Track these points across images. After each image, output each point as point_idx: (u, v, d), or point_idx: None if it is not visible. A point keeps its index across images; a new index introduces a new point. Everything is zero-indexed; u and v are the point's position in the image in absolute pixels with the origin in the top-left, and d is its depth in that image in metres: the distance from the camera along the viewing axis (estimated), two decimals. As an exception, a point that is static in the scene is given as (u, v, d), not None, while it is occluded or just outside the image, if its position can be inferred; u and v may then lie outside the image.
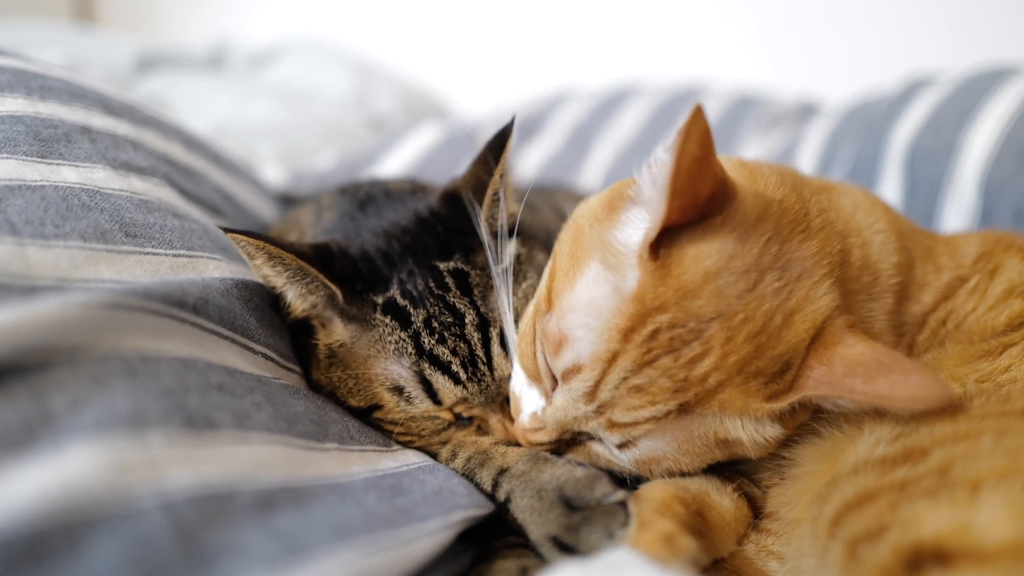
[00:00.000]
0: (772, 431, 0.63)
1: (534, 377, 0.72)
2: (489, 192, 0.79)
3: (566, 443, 0.72)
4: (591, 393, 0.64)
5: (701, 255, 0.61)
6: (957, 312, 0.75)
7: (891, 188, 1.30)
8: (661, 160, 0.59)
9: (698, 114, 0.57)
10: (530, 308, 0.75)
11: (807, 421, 0.67)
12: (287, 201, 1.34)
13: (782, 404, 0.61)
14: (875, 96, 1.51)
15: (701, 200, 0.61)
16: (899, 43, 2.03)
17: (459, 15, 2.80)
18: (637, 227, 0.64)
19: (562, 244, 0.73)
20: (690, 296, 0.60)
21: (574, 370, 0.65)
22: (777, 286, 0.62)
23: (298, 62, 2.63)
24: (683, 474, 0.69)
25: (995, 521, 0.45)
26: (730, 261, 0.61)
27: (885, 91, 1.48)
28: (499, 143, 0.80)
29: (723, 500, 0.71)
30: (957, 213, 1.19)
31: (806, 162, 1.50)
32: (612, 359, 0.62)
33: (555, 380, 0.69)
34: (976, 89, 1.24)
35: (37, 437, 0.46)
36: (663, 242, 0.62)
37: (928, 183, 1.23)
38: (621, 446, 0.66)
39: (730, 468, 0.75)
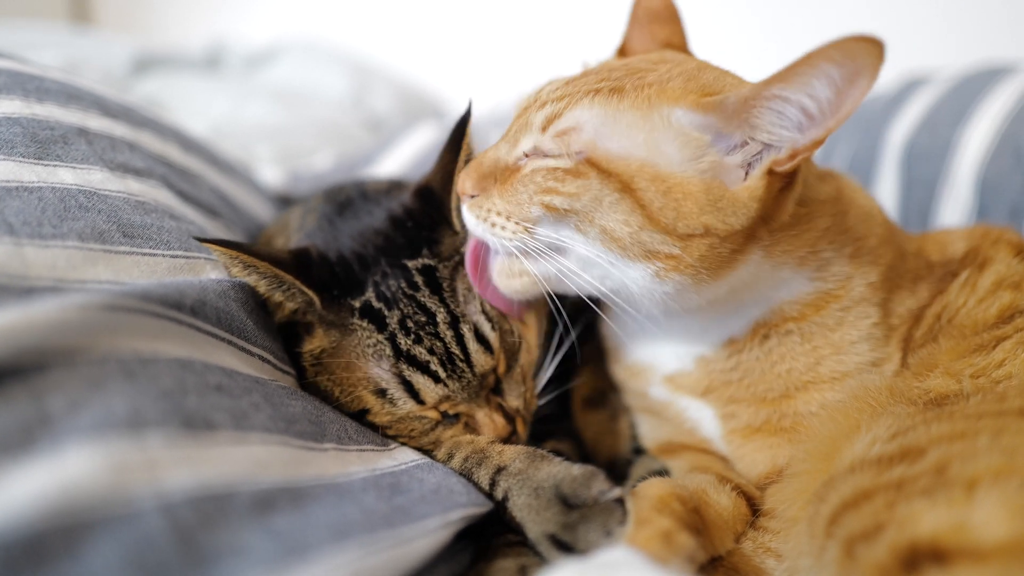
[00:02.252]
0: (712, 154, 0.64)
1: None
2: (456, 179, 0.79)
3: (499, 179, 0.72)
4: (536, 95, 0.74)
5: (656, 52, 0.81)
6: (950, 307, 0.75)
7: (887, 186, 1.30)
8: None
9: None
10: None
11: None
12: (285, 202, 1.34)
13: (719, 97, 0.63)
14: (872, 94, 1.51)
15: (658, 39, 0.81)
16: (895, 42, 2.03)
17: (456, 15, 2.80)
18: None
19: None
20: (646, 54, 0.80)
21: (529, 102, 0.75)
22: (725, 71, 0.73)
23: (295, 63, 2.63)
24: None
25: (992, 520, 0.45)
26: (683, 56, 0.78)
27: (881, 89, 1.48)
28: (459, 130, 0.81)
29: (721, 498, 0.71)
30: (953, 211, 1.19)
31: (803, 161, 1.50)
32: (563, 81, 0.75)
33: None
34: (972, 87, 1.24)
35: (35, 439, 0.46)
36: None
37: (924, 181, 1.23)
38: (546, 124, 0.68)
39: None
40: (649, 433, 0.88)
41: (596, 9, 2.50)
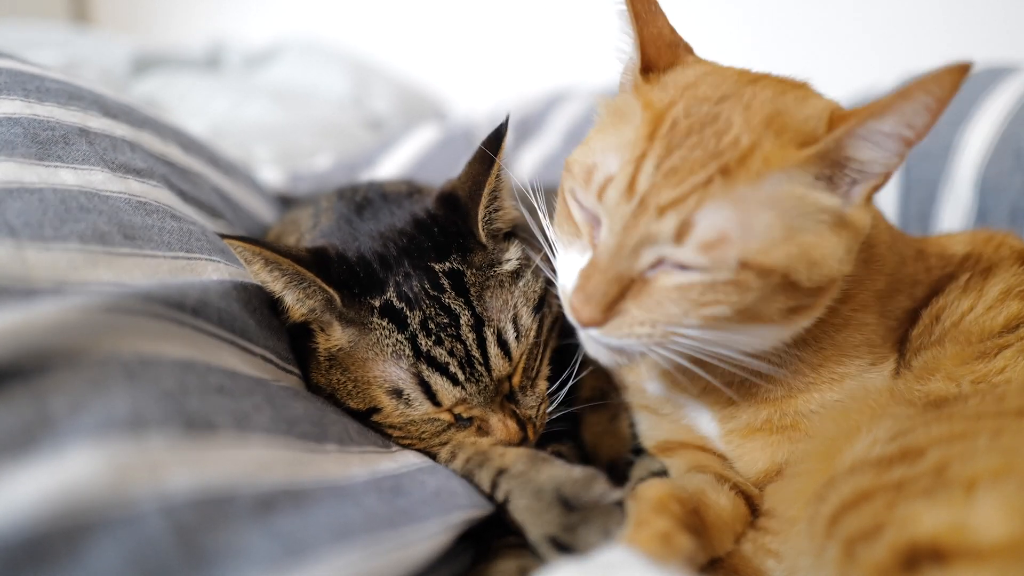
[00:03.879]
0: (828, 197, 0.62)
1: (572, 234, 0.69)
2: (486, 191, 0.80)
3: (631, 293, 0.63)
4: (629, 189, 0.62)
5: (688, 71, 0.70)
6: (952, 310, 0.75)
7: (888, 187, 1.30)
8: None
9: None
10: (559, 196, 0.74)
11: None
12: (285, 202, 1.34)
13: (818, 146, 0.60)
14: (872, 95, 1.51)
15: (666, 38, 0.73)
16: (896, 44, 2.03)
17: (457, 15, 2.80)
18: (631, 76, 0.73)
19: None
20: (692, 87, 0.66)
21: (607, 182, 0.64)
22: (778, 87, 0.67)
23: (295, 62, 2.62)
24: (764, 307, 0.62)
25: (991, 520, 0.45)
26: (716, 69, 0.70)
27: (882, 89, 1.48)
28: (494, 142, 0.80)
29: (720, 499, 0.72)
30: (953, 212, 1.19)
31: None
32: (641, 156, 0.63)
33: (594, 222, 0.66)
34: (973, 88, 1.24)
35: (37, 440, 0.46)
36: (652, 77, 0.71)
37: (925, 182, 1.23)
38: (679, 235, 0.59)
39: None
40: (648, 431, 0.88)
41: (595, 10, 2.50)
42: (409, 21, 2.91)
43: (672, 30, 0.74)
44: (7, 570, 0.42)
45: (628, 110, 0.68)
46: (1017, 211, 1.07)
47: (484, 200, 0.80)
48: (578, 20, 2.51)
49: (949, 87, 0.56)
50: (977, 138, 1.16)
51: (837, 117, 0.62)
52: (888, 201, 1.30)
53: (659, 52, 0.72)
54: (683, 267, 0.61)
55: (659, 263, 0.62)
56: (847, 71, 2.02)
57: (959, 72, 0.55)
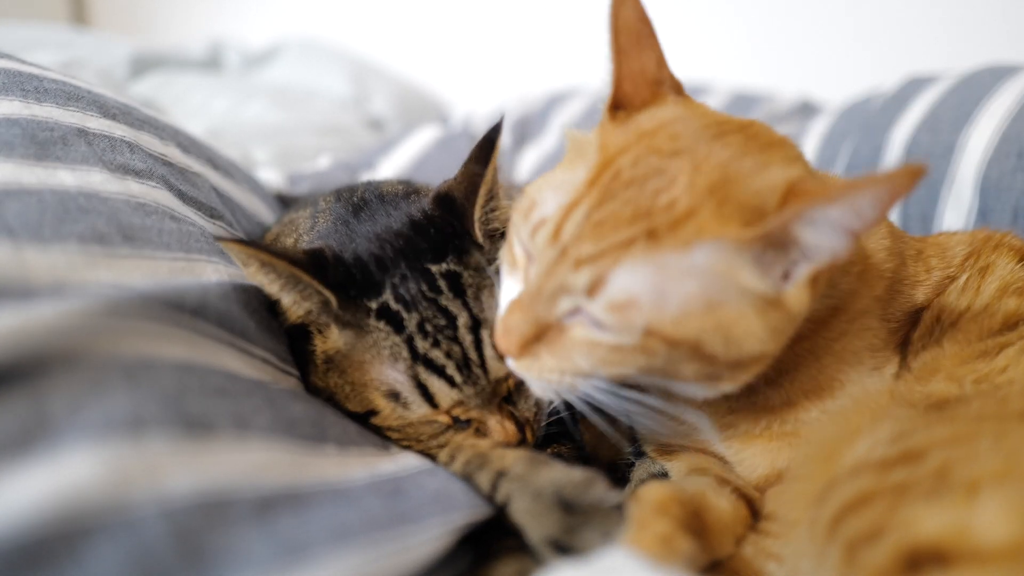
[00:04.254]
0: (758, 280, 0.58)
1: (512, 264, 0.69)
2: (482, 191, 0.79)
3: (546, 338, 0.64)
4: (554, 236, 0.61)
5: (658, 114, 0.66)
6: (951, 310, 0.75)
7: (888, 188, 1.30)
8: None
9: None
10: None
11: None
12: (285, 202, 1.34)
13: (760, 228, 0.56)
14: (874, 94, 1.51)
15: (649, 74, 0.68)
16: (897, 46, 2.03)
17: (457, 16, 2.80)
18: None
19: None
20: (649, 136, 0.62)
21: (539, 224, 0.63)
22: (744, 145, 0.62)
23: (295, 63, 2.63)
24: (674, 372, 0.62)
25: (993, 522, 0.45)
26: (688, 118, 0.65)
27: (884, 90, 1.48)
28: (489, 143, 0.80)
29: (721, 501, 0.71)
30: (955, 212, 1.19)
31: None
32: (574, 204, 0.61)
33: (529, 258, 0.66)
34: (974, 88, 1.24)
35: (36, 441, 0.46)
36: (622, 115, 0.67)
37: (926, 182, 1.23)
38: (591, 290, 0.59)
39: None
40: (648, 435, 0.88)
41: (595, 11, 2.50)
42: (409, 22, 2.92)
43: (660, 65, 0.69)
44: (6, 572, 0.41)
45: (587, 148, 0.67)
46: (1019, 211, 1.07)
47: (480, 200, 0.80)
48: (578, 21, 2.51)
49: (903, 187, 0.53)
50: (979, 138, 1.16)
51: (791, 194, 0.58)
52: (889, 201, 1.30)
53: (635, 89, 0.68)
54: (596, 322, 0.61)
55: (576, 312, 0.62)
56: (848, 75, 2.03)
57: (914, 174, 0.52)
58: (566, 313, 0.62)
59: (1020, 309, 0.72)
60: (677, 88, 0.71)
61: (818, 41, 2.15)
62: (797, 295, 0.61)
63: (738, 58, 2.26)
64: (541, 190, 0.67)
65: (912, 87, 1.37)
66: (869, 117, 1.41)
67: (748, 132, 0.65)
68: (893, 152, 1.29)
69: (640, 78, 0.68)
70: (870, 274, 0.75)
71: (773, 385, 0.74)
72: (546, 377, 0.65)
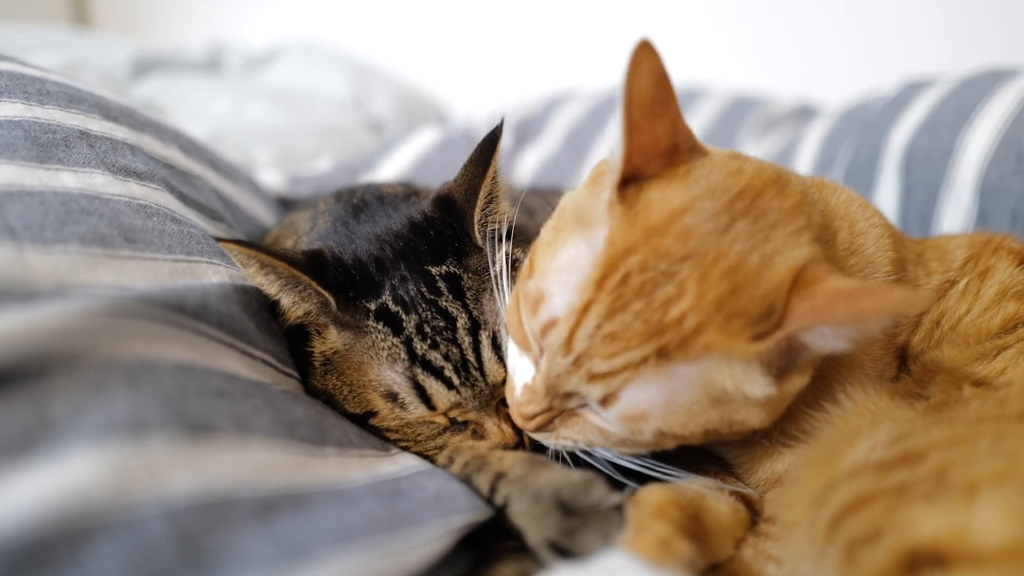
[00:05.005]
0: (763, 385, 0.60)
1: (523, 345, 0.70)
2: (482, 194, 0.80)
3: (561, 416, 0.69)
4: (567, 344, 0.62)
5: (667, 197, 0.62)
6: (951, 314, 0.75)
7: (888, 190, 1.30)
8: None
9: (645, 48, 0.58)
10: (517, 281, 0.73)
11: (805, 411, 0.68)
12: (285, 204, 1.34)
13: (767, 343, 0.58)
14: (873, 97, 1.51)
15: (662, 145, 0.64)
16: (896, 48, 2.04)
17: (457, 18, 2.80)
18: (608, 187, 0.65)
19: (549, 221, 0.73)
20: (658, 235, 0.60)
21: (550, 325, 0.63)
22: (751, 230, 0.61)
23: (295, 65, 2.63)
24: (682, 444, 0.66)
25: (992, 524, 0.45)
26: (697, 202, 0.62)
27: (883, 92, 1.48)
28: (489, 145, 0.80)
29: (720, 504, 0.71)
30: (954, 215, 1.19)
31: (804, 163, 1.50)
32: (585, 308, 0.61)
33: (539, 347, 0.67)
34: (973, 91, 1.24)
35: (37, 443, 0.46)
36: (632, 192, 0.63)
37: (925, 185, 1.23)
38: (604, 401, 0.62)
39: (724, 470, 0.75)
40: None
41: (595, 13, 2.51)
42: (409, 24, 2.92)
43: (675, 129, 0.64)
44: (8, 573, 0.42)
45: (592, 222, 0.65)
46: (1018, 214, 1.07)
47: (480, 202, 0.80)
48: (578, 23, 2.51)
49: (909, 307, 0.57)
50: (978, 141, 1.16)
51: (798, 288, 0.58)
52: (888, 204, 1.30)
53: (646, 162, 0.64)
54: (608, 423, 0.65)
55: (587, 405, 0.66)
56: (847, 77, 2.03)
57: (918, 301, 0.57)
58: (578, 406, 0.67)
59: (1019, 313, 0.72)
60: (692, 147, 0.67)
61: (817, 42, 2.15)
62: (796, 380, 0.63)
63: (738, 59, 2.26)
64: (546, 276, 0.66)
65: (911, 90, 1.37)
66: (868, 120, 1.41)
67: (758, 208, 0.63)
68: (892, 154, 1.29)
69: (652, 151, 0.64)
70: (874, 278, 0.75)
71: None
72: (562, 445, 0.70)
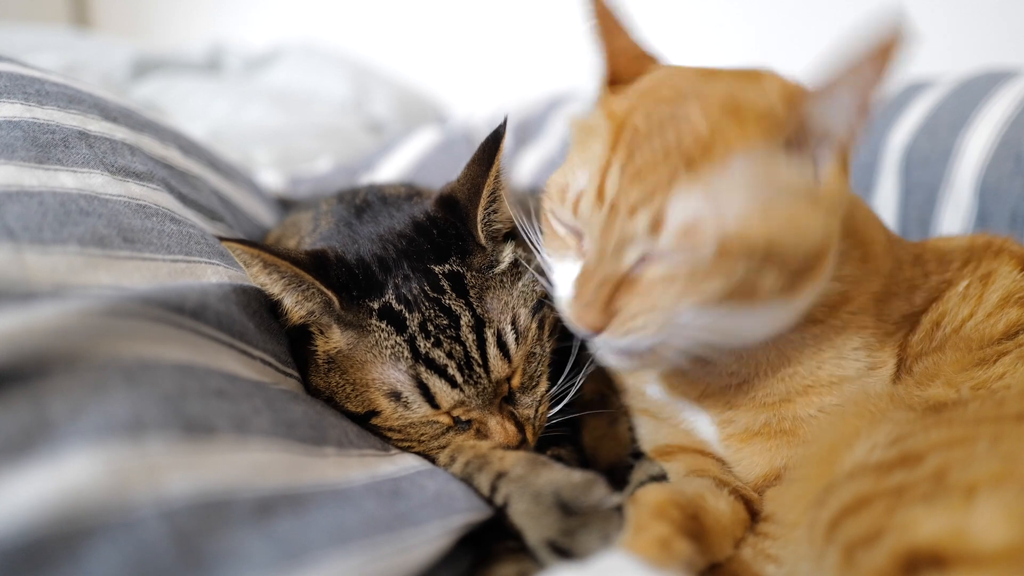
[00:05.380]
0: (798, 170, 0.63)
1: (561, 249, 0.71)
2: (484, 193, 0.80)
3: (619, 290, 0.65)
4: (598, 198, 0.65)
5: (650, 77, 0.73)
6: (952, 316, 0.75)
7: (887, 191, 1.30)
8: None
9: None
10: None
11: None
12: (285, 205, 1.34)
13: (781, 129, 0.62)
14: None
15: (632, 51, 0.77)
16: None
17: (456, 19, 2.80)
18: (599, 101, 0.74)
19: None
20: (652, 93, 0.69)
21: (579, 196, 0.67)
22: (734, 77, 0.69)
23: (295, 66, 2.63)
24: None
25: (991, 525, 0.45)
26: (678, 71, 0.73)
27: (882, 95, 1.48)
28: (492, 144, 0.80)
29: (719, 503, 0.71)
30: (953, 216, 1.19)
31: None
32: (606, 165, 0.65)
33: (577, 234, 0.70)
34: (973, 92, 1.24)
35: (36, 444, 0.46)
36: (618, 88, 0.73)
37: (924, 187, 1.23)
38: (653, 228, 0.61)
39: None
40: (648, 436, 0.88)
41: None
42: (409, 25, 2.92)
43: (637, 43, 0.78)
44: (6, 574, 0.41)
45: (595, 124, 0.70)
46: (1017, 215, 1.07)
47: (483, 202, 0.80)
48: (578, 24, 2.51)
49: (892, 50, 0.60)
50: (977, 142, 1.16)
51: (795, 97, 0.63)
52: (888, 205, 1.30)
53: (626, 64, 0.75)
54: (666, 257, 0.63)
55: (644, 259, 0.64)
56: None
57: (896, 34, 0.59)
58: (634, 263, 0.64)
59: (1021, 319, 0.72)
60: (655, 60, 0.78)
61: (817, 43, 2.15)
62: (833, 182, 0.65)
63: (737, 59, 2.26)
64: (566, 174, 0.71)
65: (910, 91, 1.37)
66: (867, 121, 1.41)
67: (735, 72, 0.72)
68: (891, 156, 1.29)
69: (626, 54, 0.76)
70: (869, 265, 0.76)
71: (775, 376, 0.75)
72: (636, 326, 0.64)
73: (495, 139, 0.80)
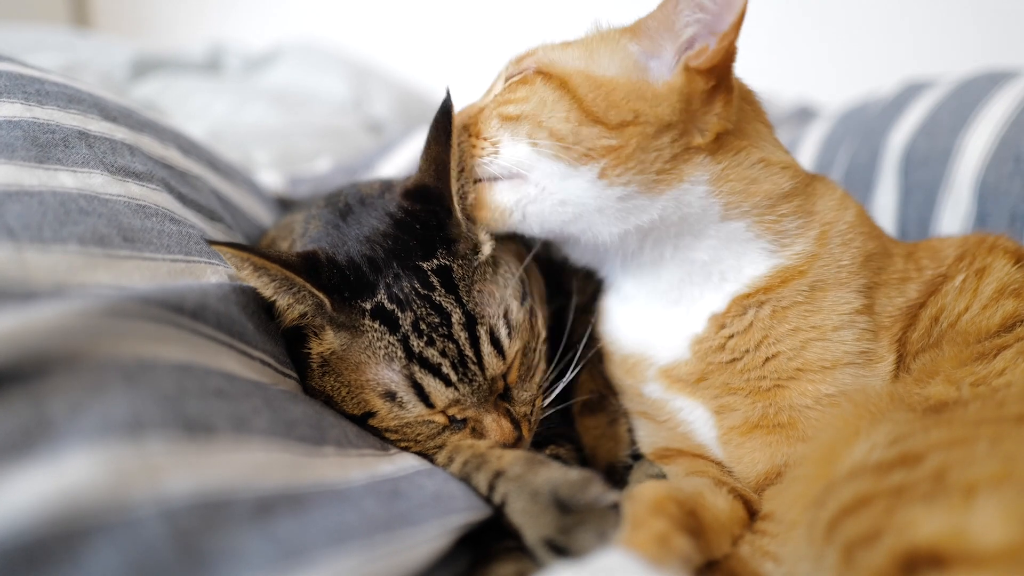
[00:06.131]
0: (626, 44, 0.77)
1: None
2: (452, 166, 0.79)
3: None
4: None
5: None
6: (949, 310, 0.76)
7: (887, 192, 1.30)
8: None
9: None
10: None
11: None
12: (284, 205, 1.34)
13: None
14: (872, 99, 1.51)
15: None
16: (895, 49, 2.04)
17: (456, 19, 2.80)
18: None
19: None
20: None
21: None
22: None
23: (295, 66, 2.63)
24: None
25: (990, 525, 0.45)
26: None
27: (881, 94, 1.49)
28: (444, 116, 0.80)
29: (718, 500, 0.71)
30: (953, 217, 1.19)
31: (803, 165, 1.50)
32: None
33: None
34: (972, 93, 1.24)
35: (35, 443, 0.46)
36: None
37: (924, 187, 1.23)
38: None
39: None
40: (646, 438, 0.88)
41: (594, 16, 2.51)
42: (409, 25, 2.92)
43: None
44: (5, 573, 0.41)
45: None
46: (1017, 216, 1.07)
47: (454, 174, 0.80)
48: (578, 25, 2.51)
49: None
50: (976, 143, 1.16)
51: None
52: (887, 206, 1.30)
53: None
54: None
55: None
56: (847, 78, 2.03)
57: None
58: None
59: (1017, 310, 0.72)
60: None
61: (817, 44, 2.15)
62: (672, 79, 0.75)
63: (736, 60, 2.26)
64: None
65: (910, 92, 1.37)
66: (867, 122, 1.41)
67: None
68: (891, 156, 1.29)
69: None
70: (832, 241, 0.78)
71: (756, 352, 0.76)
72: (476, 150, 0.82)
73: (445, 111, 0.81)
